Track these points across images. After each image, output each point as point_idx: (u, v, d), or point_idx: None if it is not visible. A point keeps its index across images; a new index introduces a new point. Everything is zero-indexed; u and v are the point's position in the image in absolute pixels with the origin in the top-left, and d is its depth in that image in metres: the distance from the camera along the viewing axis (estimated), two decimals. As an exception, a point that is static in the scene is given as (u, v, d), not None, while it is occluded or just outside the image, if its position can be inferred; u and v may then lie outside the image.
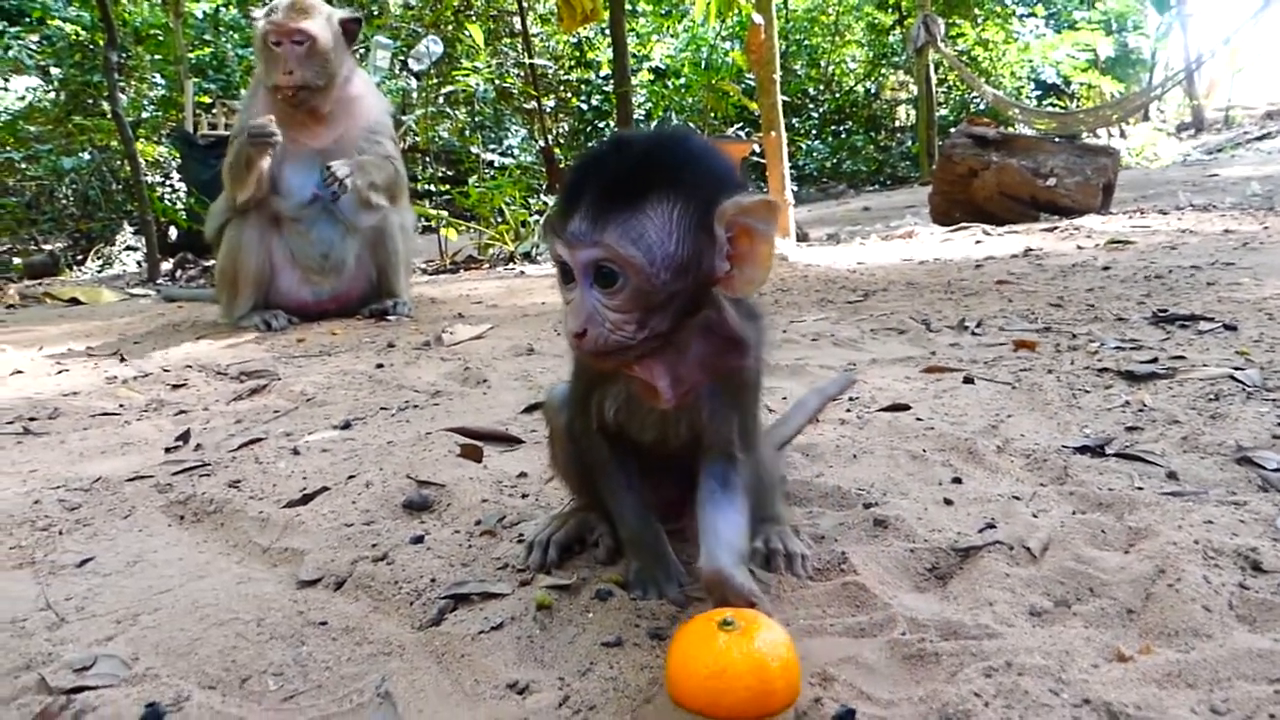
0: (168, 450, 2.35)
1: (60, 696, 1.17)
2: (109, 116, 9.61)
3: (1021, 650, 1.12)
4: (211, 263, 8.99)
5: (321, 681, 1.21)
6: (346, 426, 2.45)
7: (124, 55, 11.55)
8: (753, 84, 10.11)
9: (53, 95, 12.39)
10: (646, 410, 1.35)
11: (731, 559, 1.23)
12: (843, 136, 19.08)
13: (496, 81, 12.98)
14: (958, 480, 1.74)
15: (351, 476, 1.96)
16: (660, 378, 1.27)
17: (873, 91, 20.14)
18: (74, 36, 11.64)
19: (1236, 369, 2.29)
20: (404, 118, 16.06)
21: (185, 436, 2.44)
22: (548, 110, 14.62)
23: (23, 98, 12.32)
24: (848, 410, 2.28)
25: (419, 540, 1.60)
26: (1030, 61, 19.02)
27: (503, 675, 1.19)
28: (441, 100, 15.07)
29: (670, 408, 1.31)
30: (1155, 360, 2.49)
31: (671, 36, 17.46)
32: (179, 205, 11.16)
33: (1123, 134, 18.38)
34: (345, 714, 1.14)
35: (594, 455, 1.45)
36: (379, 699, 1.16)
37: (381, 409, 2.64)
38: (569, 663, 1.22)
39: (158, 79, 12.94)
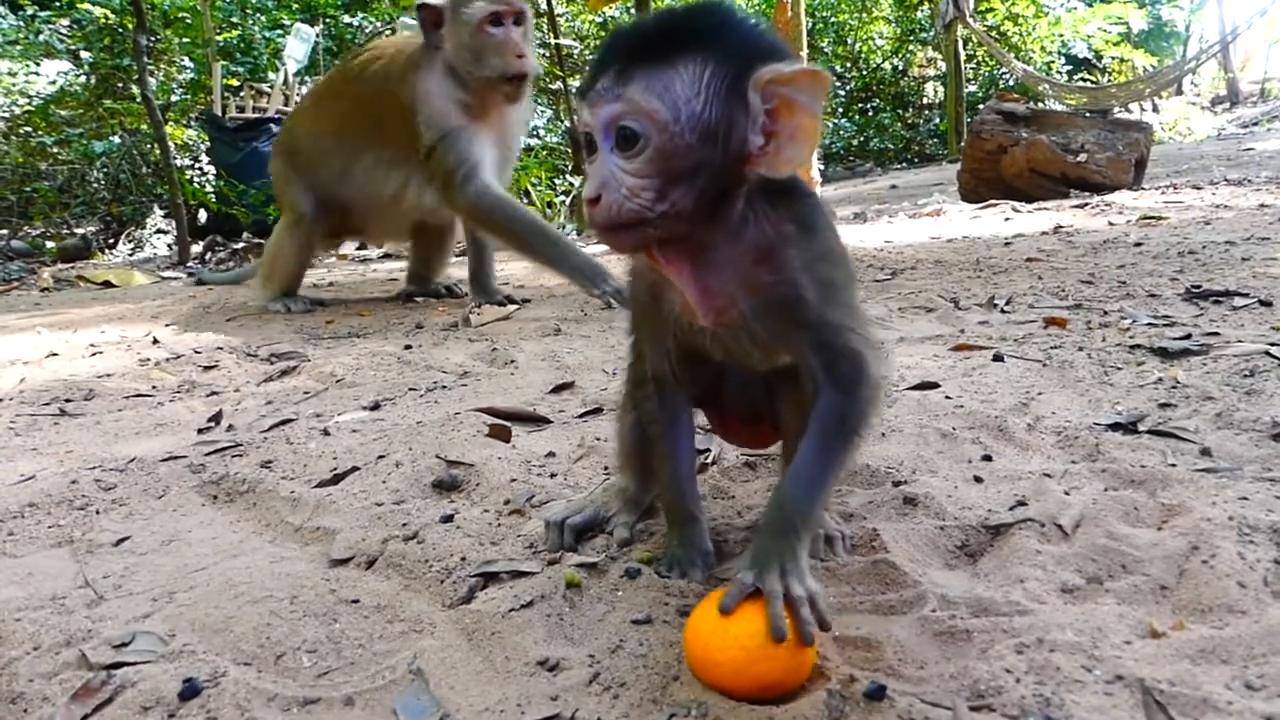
0: (200, 431, 2.38)
1: (100, 672, 1.19)
2: (139, 100, 9.68)
3: (1053, 627, 1.11)
4: (241, 245, 9.07)
5: (354, 658, 1.23)
6: (376, 407, 2.47)
7: (153, 39, 11.62)
8: (779, 61, 9.99)
9: (83, 79, 12.48)
10: (698, 329, 1.25)
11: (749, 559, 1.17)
12: (870, 114, 18.91)
13: (521, 62, 12.93)
14: (988, 458, 1.73)
15: (381, 456, 1.98)
16: (689, 283, 1.18)
17: (900, 68, 19.93)
18: (104, 20, 11.72)
19: (1272, 345, 2.25)
20: (429, 99, 16.10)
21: (217, 417, 2.47)
22: (573, 91, 14.58)
23: (54, 82, 12.42)
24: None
25: (448, 519, 1.61)
26: (1061, 36, 18.72)
27: (533, 652, 1.20)
28: (467, 81, 15.07)
29: (710, 326, 1.22)
30: (1188, 336, 2.45)
31: (696, 14, 17.32)
32: (208, 188, 11.24)
33: (1155, 109, 18.09)
34: (378, 690, 1.15)
35: (647, 412, 1.41)
36: (411, 675, 1.18)
37: (410, 390, 2.66)
38: (599, 640, 1.22)
39: (186, 62, 13.02)
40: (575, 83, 15.63)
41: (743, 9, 1.36)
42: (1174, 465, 1.60)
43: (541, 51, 14.19)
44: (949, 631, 1.15)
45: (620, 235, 1.14)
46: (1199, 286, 3.13)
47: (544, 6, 10.87)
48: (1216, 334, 2.47)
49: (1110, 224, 5.44)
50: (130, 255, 10.84)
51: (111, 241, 11.41)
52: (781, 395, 1.37)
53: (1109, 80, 18.26)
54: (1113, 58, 19.36)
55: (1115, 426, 1.83)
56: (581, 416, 2.22)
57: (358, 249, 8.66)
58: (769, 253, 1.18)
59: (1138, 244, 4.46)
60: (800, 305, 1.18)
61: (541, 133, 15.05)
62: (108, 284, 6.75)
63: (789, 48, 1.20)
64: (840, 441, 1.21)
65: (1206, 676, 1.00)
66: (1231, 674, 1.01)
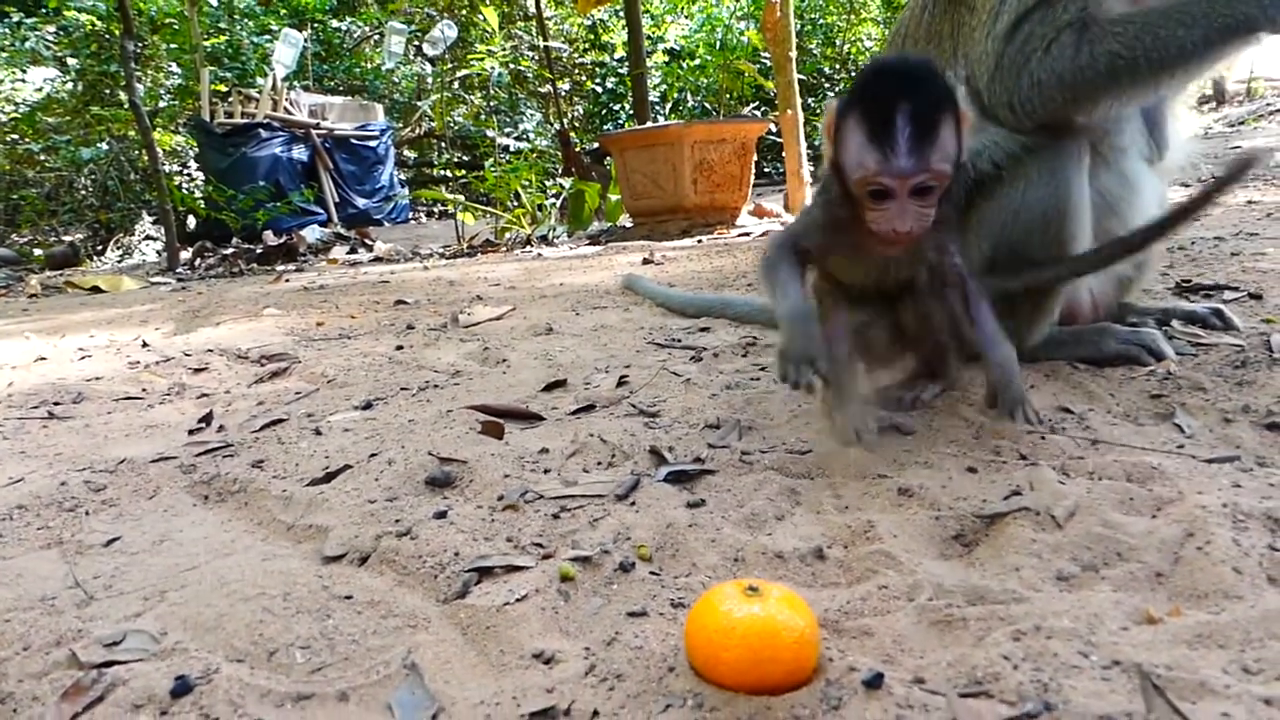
0: (191, 432, 2.37)
1: (91, 671, 1.18)
2: (126, 106, 9.66)
3: (1050, 614, 1.11)
4: (230, 250, 9.04)
5: (348, 654, 1.22)
6: (368, 407, 2.46)
7: (140, 44, 11.59)
8: (768, 63, 10.04)
9: (70, 86, 12.46)
10: (867, 259, 1.82)
11: (1002, 373, 1.81)
12: (859, 115, 18.92)
13: (511, 65, 12.96)
14: (980, 448, 1.72)
15: (374, 455, 1.97)
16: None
17: (889, 69, 19.97)
18: (90, 26, 11.70)
19: (1263, 335, 2.26)
20: (419, 103, 16.07)
21: (208, 419, 2.46)
22: (563, 93, 14.60)
23: (40, 89, 12.39)
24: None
25: (442, 515, 1.61)
26: (1048, 35, 18.78)
27: (528, 646, 1.20)
28: (456, 85, 15.06)
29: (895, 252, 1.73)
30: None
31: (686, 17, 17.35)
32: (197, 194, 11.21)
33: (1143, 107, 18.12)
34: (372, 685, 1.15)
35: (775, 262, 1.78)
36: (405, 670, 1.17)
37: (402, 389, 2.65)
38: (594, 633, 1.22)
39: (174, 68, 13.00)
40: (564, 85, 15.64)
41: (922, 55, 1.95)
42: (1168, 454, 1.60)
43: (530, 54, 14.20)
44: (946, 620, 1.15)
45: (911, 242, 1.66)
46: (1189, 281, 3.14)
47: (532, 9, 10.88)
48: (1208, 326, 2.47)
49: (1099, 221, 5.45)
50: (119, 262, 10.80)
51: (100, 248, 11.38)
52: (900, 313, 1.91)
53: (1096, 80, 18.30)
54: (1100, 57, 19.44)
55: (1109, 414, 1.83)
56: (574, 413, 2.21)
57: (349, 253, 8.65)
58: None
59: (1127, 240, 4.46)
60: (954, 235, 1.83)
61: (531, 136, 15.06)
62: (96, 289, 6.73)
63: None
64: (990, 307, 1.80)
65: (1204, 661, 1.00)
66: (1229, 658, 1.01)
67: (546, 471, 1.82)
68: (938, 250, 1.78)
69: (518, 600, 1.30)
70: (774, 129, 8.38)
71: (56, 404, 2.79)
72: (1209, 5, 1.89)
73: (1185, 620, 1.09)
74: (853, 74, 19.54)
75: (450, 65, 14.49)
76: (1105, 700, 0.95)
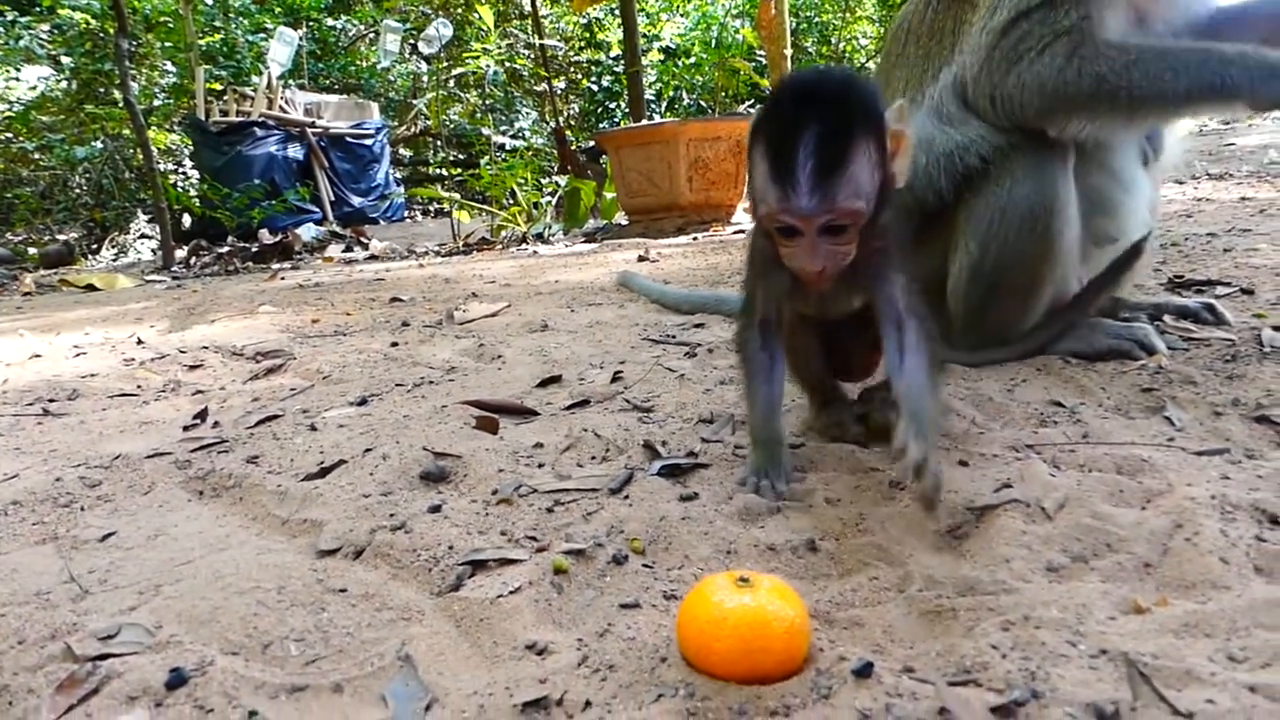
0: (186, 428, 2.37)
1: (86, 663, 1.19)
2: (121, 105, 9.64)
3: (1039, 604, 1.12)
4: (226, 249, 9.03)
5: (343, 646, 1.22)
6: (363, 403, 2.47)
7: (135, 43, 11.57)
8: (764, 61, 10.05)
9: (64, 84, 12.45)
10: (801, 293, 1.60)
11: (911, 430, 1.42)
12: (855, 113, 18.95)
13: (506, 64, 12.96)
14: (971, 441, 1.73)
15: (368, 450, 1.97)
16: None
17: (884, 67, 19.99)
18: (84, 25, 11.68)
19: (1254, 330, 2.27)
20: (415, 101, 16.07)
21: (203, 415, 2.46)
22: (558, 92, 14.60)
23: (34, 87, 12.38)
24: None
25: (436, 509, 1.61)
26: (1043, 33, 18.81)
27: (521, 637, 1.20)
28: (452, 83, 15.06)
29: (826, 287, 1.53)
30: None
31: (681, 15, 17.36)
32: (192, 192, 11.20)
33: (1138, 105, 18.16)
34: (366, 677, 1.15)
35: (749, 346, 1.66)
36: (399, 662, 1.17)
37: (397, 385, 2.65)
38: (586, 625, 1.23)
39: (169, 66, 12.98)
40: (559, 83, 15.64)
41: (846, 71, 1.62)
42: (1158, 447, 1.61)
43: (525, 53, 14.20)
44: (936, 610, 1.16)
45: (830, 279, 1.49)
46: (1181, 277, 3.15)
47: (528, 7, 10.87)
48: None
49: (1093, 218, 5.46)
50: (114, 260, 10.80)
51: (95, 247, 11.37)
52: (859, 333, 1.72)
53: (1091, 78, 18.34)
54: (1095, 55, 19.47)
55: (1100, 408, 1.84)
56: (569, 408, 2.22)
57: (344, 251, 8.65)
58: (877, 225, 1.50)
59: (1121, 237, 4.48)
60: (894, 267, 1.55)
61: (527, 134, 15.06)
62: (91, 287, 6.72)
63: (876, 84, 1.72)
64: (932, 348, 1.54)
65: (1190, 649, 1.01)
66: (1215, 647, 1.02)
67: (540, 466, 1.82)
68: (874, 284, 1.56)
69: (511, 593, 1.31)
70: (769, 127, 8.36)
71: (52, 401, 2.79)
72: (1202, 60, 1.89)
73: (1173, 610, 1.10)
74: (848, 72, 19.57)
75: (446, 63, 14.48)
76: (1092, 688, 0.95)
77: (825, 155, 1.36)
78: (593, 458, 1.85)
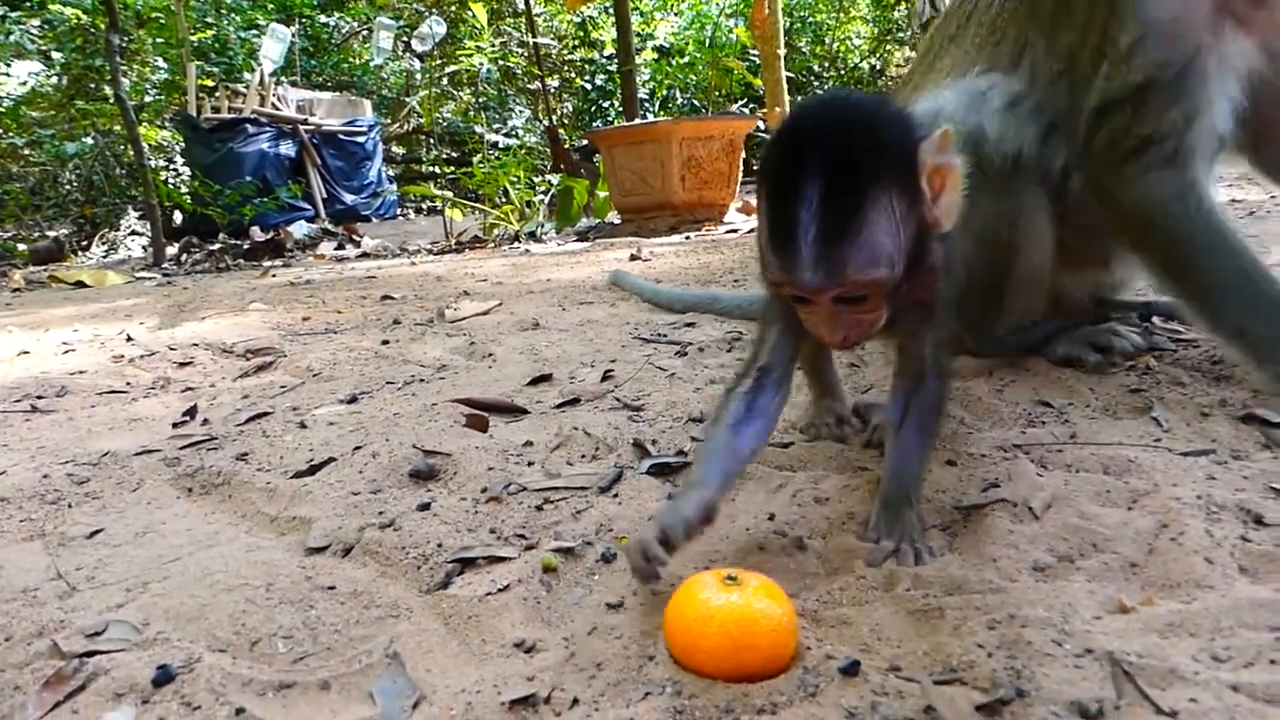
0: (175, 425, 2.37)
1: (73, 660, 1.18)
2: (112, 101, 9.61)
3: (1025, 604, 1.13)
4: (217, 246, 9.01)
5: (330, 643, 1.22)
6: (353, 400, 2.46)
7: (126, 39, 11.53)
8: (757, 60, 10.06)
9: (55, 80, 12.40)
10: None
11: (884, 521, 1.35)
12: (847, 113, 18.96)
13: (500, 62, 12.94)
14: (959, 441, 1.74)
15: (358, 447, 1.97)
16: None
17: (878, 68, 20.02)
18: (75, 20, 11.63)
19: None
20: (407, 99, 16.04)
21: (192, 412, 2.46)
22: (552, 90, 14.58)
23: (24, 83, 12.32)
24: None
25: (425, 507, 1.61)
26: (1036, 35, 18.86)
27: (509, 635, 1.21)
28: (445, 81, 15.04)
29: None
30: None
31: (675, 14, 17.37)
32: (183, 189, 11.17)
33: (1129, 107, 18.22)
34: (354, 674, 1.15)
35: (718, 411, 1.42)
36: (387, 659, 1.17)
37: (387, 383, 2.65)
38: (575, 622, 1.23)
39: (160, 62, 12.94)
40: (553, 82, 15.63)
41: (858, 97, 1.35)
42: (1145, 448, 1.62)
43: (519, 51, 14.18)
44: (923, 610, 1.16)
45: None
46: (1171, 278, 3.16)
47: (521, 6, 10.86)
48: (1187, 322, 2.49)
49: (1084, 219, 5.49)
50: (104, 257, 10.76)
51: (85, 243, 11.32)
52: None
53: (1083, 79, 18.38)
54: (1087, 57, 19.51)
55: (1088, 409, 1.84)
56: (559, 407, 2.22)
57: (336, 249, 8.63)
58: (931, 268, 1.30)
59: (1111, 238, 4.50)
60: (933, 324, 1.37)
61: (520, 132, 15.05)
62: (81, 284, 6.70)
63: (913, 110, 1.43)
64: (938, 420, 1.42)
65: (1174, 649, 1.02)
66: (1199, 646, 1.02)
67: (530, 464, 1.82)
68: (906, 337, 1.39)
69: (500, 590, 1.31)
70: (762, 126, 8.40)
71: (39, 398, 2.78)
72: (1260, 300, 1.72)
73: (1157, 609, 1.10)
74: (842, 73, 19.61)
75: (439, 61, 14.47)
76: (1077, 687, 0.96)
77: (831, 218, 1.12)
78: (582, 456, 1.85)
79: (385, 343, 3.27)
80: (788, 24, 15.97)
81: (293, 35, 13.30)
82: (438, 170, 14.08)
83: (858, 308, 1.22)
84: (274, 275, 6.40)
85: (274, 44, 12.31)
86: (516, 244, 7.60)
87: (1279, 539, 1.23)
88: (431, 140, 15.74)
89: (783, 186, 1.16)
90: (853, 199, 1.13)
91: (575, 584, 1.33)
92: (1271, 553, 1.20)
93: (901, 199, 1.16)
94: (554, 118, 13.36)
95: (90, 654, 1.20)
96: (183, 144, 12.01)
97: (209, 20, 13.36)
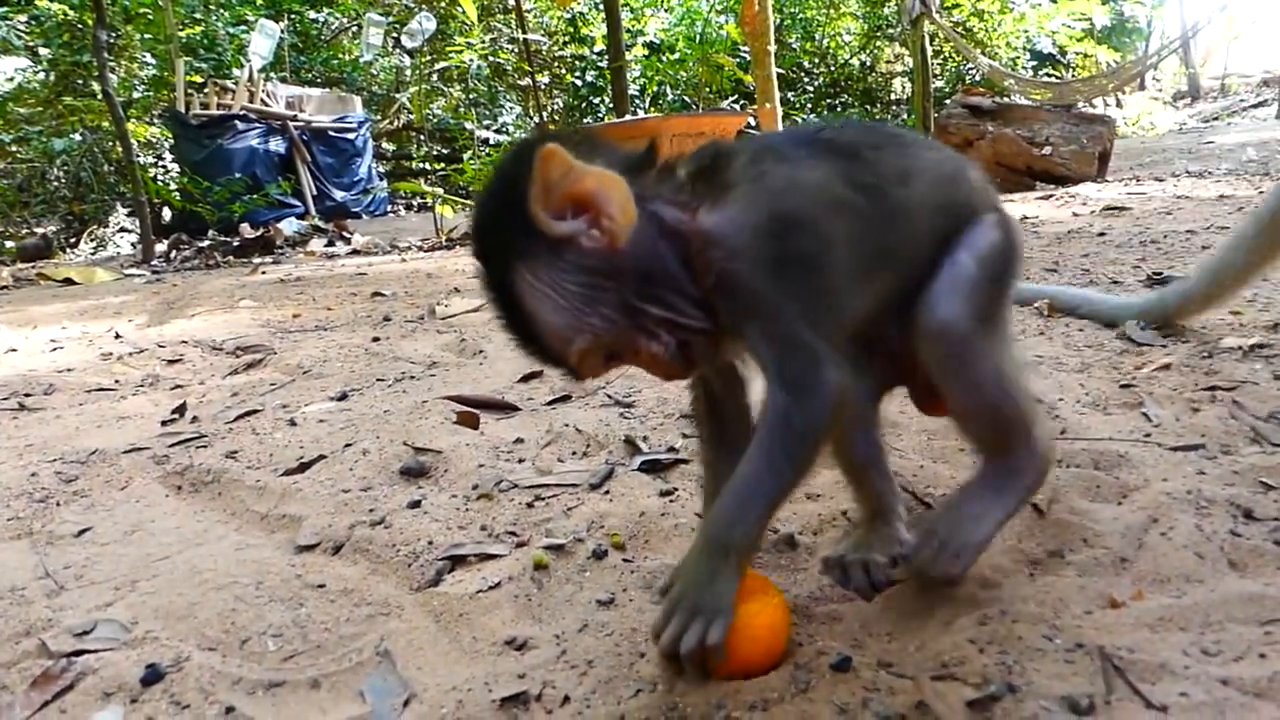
0: (164, 423, 2.36)
1: (61, 659, 1.18)
2: (100, 97, 9.55)
3: (1016, 599, 1.13)
4: (206, 243, 8.97)
5: (321, 641, 1.22)
6: (343, 398, 2.46)
7: (114, 34, 11.45)
8: (747, 57, 10.06)
9: (42, 76, 12.31)
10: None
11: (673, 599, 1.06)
12: (838, 110, 18.98)
13: (490, 58, 12.90)
14: (950, 437, 1.74)
15: (348, 445, 1.96)
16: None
17: (868, 64, 20.03)
18: (62, 16, 11.54)
19: (1229, 326, 2.29)
20: (397, 95, 15.99)
21: (181, 409, 2.44)
22: (542, 86, 14.54)
23: (11, 79, 12.25)
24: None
25: (416, 505, 1.61)
26: (1026, 31, 18.89)
27: (500, 632, 1.20)
28: (435, 77, 14.99)
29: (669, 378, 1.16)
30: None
31: (665, 11, 17.34)
32: (172, 186, 11.11)
33: (1119, 103, 18.31)
34: (344, 672, 1.15)
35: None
36: (378, 657, 1.17)
37: (378, 380, 2.64)
38: (566, 619, 1.22)
39: (148, 58, 12.86)
40: (543, 78, 15.60)
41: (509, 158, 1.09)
42: (1135, 442, 1.62)
43: (509, 47, 14.15)
44: (913, 606, 1.16)
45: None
46: (1160, 273, 3.18)
47: (511, 2, 10.84)
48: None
49: (1074, 214, 5.50)
50: (92, 254, 10.71)
51: (73, 240, 11.26)
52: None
53: (1073, 75, 18.45)
54: (1077, 53, 19.55)
55: (1077, 404, 1.85)
56: (550, 404, 2.22)
57: (326, 245, 8.60)
58: (706, 247, 1.04)
59: (1101, 233, 4.51)
60: (740, 304, 1.04)
61: (510, 128, 15.01)
62: (69, 281, 6.66)
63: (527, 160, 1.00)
64: (778, 449, 1.02)
65: (1164, 643, 1.02)
66: (1189, 640, 1.02)
67: (521, 461, 1.82)
68: (741, 342, 1.09)
69: (491, 588, 1.31)
70: (753, 122, 8.40)
71: (27, 395, 2.77)
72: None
73: (1147, 604, 1.11)
74: (832, 69, 19.61)
75: (429, 57, 14.43)
76: (1068, 682, 0.96)
77: (506, 320, 1.07)
78: (574, 453, 1.85)
79: (376, 340, 3.26)
80: (778, 20, 15.98)
81: (282, 31, 13.24)
82: (428, 167, 14.04)
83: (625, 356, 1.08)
84: (264, 272, 6.37)
85: (263, 40, 12.25)
86: (507, 240, 7.58)
87: (1269, 533, 1.24)
88: (422, 137, 15.70)
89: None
90: (500, 297, 1.06)
91: (566, 581, 1.33)
92: (1261, 547, 1.20)
93: (537, 264, 1.01)
94: (544, 114, 13.34)
95: (79, 653, 1.20)
96: (171, 140, 11.94)
97: (197, 16, 13.28)
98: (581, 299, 1.02)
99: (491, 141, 12.28)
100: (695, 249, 1.04)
